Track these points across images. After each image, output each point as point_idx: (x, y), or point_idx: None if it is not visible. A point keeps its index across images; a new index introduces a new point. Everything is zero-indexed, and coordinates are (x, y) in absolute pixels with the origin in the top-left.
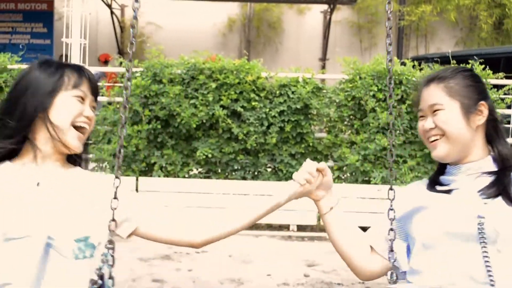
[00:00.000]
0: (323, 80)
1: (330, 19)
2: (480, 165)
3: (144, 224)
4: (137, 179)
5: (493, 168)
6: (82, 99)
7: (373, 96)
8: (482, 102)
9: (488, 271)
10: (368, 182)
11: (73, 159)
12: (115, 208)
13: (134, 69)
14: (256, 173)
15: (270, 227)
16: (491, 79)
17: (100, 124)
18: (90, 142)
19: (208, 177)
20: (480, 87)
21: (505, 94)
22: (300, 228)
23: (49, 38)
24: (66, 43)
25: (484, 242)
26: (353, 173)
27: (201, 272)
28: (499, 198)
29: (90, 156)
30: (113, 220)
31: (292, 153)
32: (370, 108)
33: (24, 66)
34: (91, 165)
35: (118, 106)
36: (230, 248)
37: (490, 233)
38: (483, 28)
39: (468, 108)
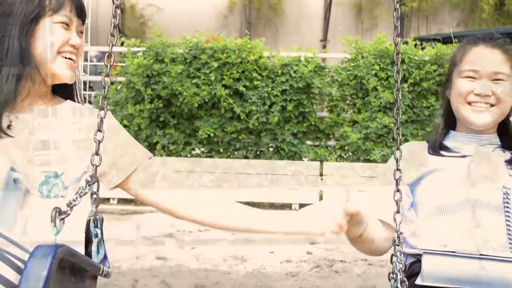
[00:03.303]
0: (324, 60)
1: (331, 0)
2: (494, 138)
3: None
4: None
5: (499, 143)
6: (67, 25)
7: (375, 75)
8: None
9: (510, 239)
10: (370, 161)
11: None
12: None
13: (136, 49)
14: (258, 152)
15: (272, 206)
16: None
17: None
18: None
19: (211, 156)
20: None
21: None
22: (302, 207)
23: None
24: None
25: (508, 212)
26: (355, 152)
27: (204, 249)
28: None
29: None
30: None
31: (294, 132)
32: (372, 87)
33: None
34: None
35: (120, 86)
36: None
37: None
38: (485, 9)
39: None
